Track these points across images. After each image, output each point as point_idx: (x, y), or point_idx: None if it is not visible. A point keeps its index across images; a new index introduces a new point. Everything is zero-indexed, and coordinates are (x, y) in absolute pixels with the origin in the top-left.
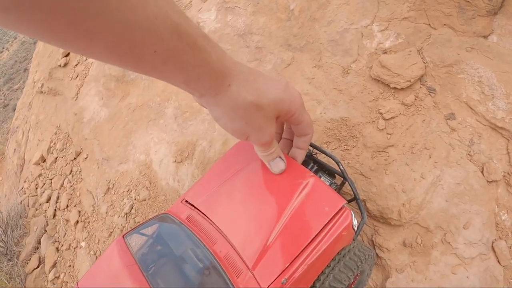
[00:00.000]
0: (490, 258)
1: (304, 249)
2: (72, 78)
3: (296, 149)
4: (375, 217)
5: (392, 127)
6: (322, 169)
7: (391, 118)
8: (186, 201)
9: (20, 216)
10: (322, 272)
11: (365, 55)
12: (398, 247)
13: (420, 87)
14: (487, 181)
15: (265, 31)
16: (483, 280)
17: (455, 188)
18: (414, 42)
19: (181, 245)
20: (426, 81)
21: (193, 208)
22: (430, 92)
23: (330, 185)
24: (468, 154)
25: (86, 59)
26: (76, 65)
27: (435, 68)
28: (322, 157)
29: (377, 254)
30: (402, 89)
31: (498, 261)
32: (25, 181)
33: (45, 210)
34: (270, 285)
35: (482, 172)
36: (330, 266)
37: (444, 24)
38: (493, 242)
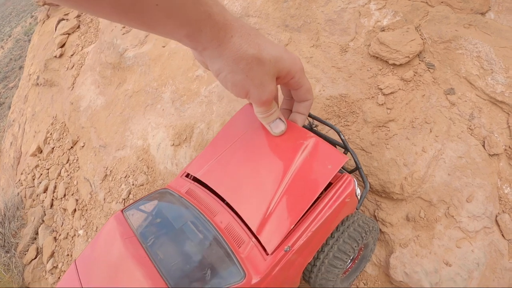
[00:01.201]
0: (494, 232)
1: (307, 213)
2: (68, 68)
3: (296, 113)
4: (377, 191)
5: (391, 102)
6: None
7: (391, 93)
8: (187, 175)
9: (18, 208)
10: (327, 243)
11: (363, 33)
12: (401, 222)
13: (419, 63)
14: (489, 154)
15: (262, 13)
16: (488, 254)
17: (457, 162)
18: (412, 20)
19: (180, 217)
20: (424, 57)
21: (193, 181)
22: (429, 67)
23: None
24: (469, 128)
25: (81, 49)
26: (71, 55)
27: (433, 44)
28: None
29: (380, 230)
30: (401, 65)
31: (503, 235)
32: (21, 173)
33: (42, 201)
34: (273, 253)
35: (483, 145)
36: (334, 237)
37: (442, 2)
38: (496, 216)
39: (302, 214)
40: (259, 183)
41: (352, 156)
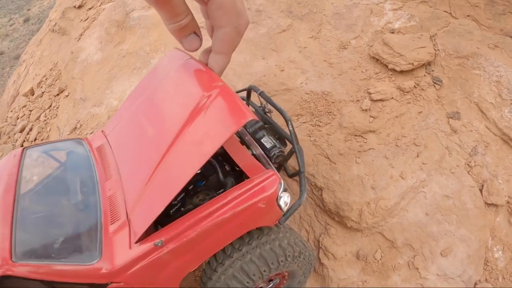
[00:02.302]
0: None
1: (202, 206)
2: (82, 20)
3: (214, 54)
4: (330, 212)
5: (378, 110)
6: (272, 131)
7: (380, 100)
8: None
9: None
10: (229, 255)
11: (369, 32)
12: (349, 258)
13: (424, 75)
14: (486, 202)
15: None
16: None
17: (441, 201)
18: (428, 28)
19: (73, 173)
20: (433, 70)
21: (106, 138)
22: (435, 82)
23: (272, 148)
24: (467, 164)
25: (100, 5)
26: (89, 8)
27: (446, 57)
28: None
29: (319, 260)
30: (401, 72)
31: None
32: (11, 111)
33: (16, 140)
34: (140, 241)
35: (481, 190)
36: (241, 250)
37: (468, 15)
38: (475, 284)
39: (179, 192)
40: (148, 148)
41: (296, 156)
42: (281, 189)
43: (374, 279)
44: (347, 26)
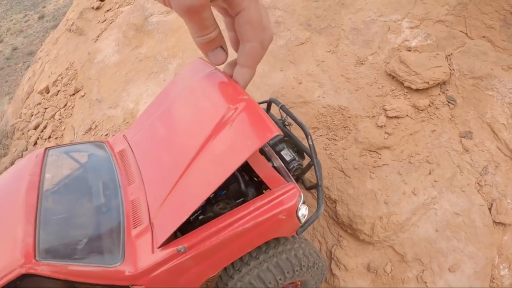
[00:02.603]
0: None
1: (224, 215)
2: (99, 21)
3: (239, 67)
4: (343, 224)
5: (393, 127)
6: (291, 144)
7: (395, 117)
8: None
9: (7, 137)
10: (247, 263)
11: (386, 49)
12: (360, 269)
13: (439, 94)
14: (494, 221)
15: (289, 8)
16: None
17: (451, 218)
18: (444, 47)
19: (96, 176)
20: (447, 90)
21: (128, 142)
22: (449, 102)
23: (291, 161)
24: (478, 183)
25: (118, 7)
26: (107, 10)
27: (461, 77)
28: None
29: (331, 270)
30: (417, 90)
31: None
32: (26, 107)
33: (30, 137)
34: (163, 247)
35: (489, 209)
36: (258, 258)
37: (483, 36)
38: None
39: (202, 202)
40: (172, 158)
41: (315, 169)
42: (301, 202)
43: None
44: (364, 42)
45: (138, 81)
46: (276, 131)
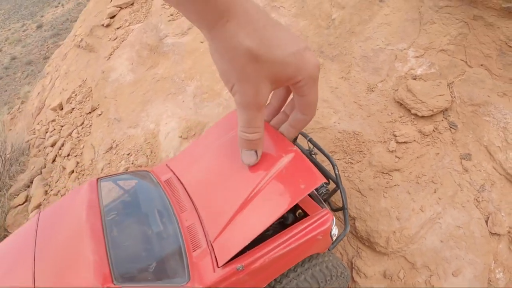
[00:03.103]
0: None
1: (273, 237)
2: (110, 39)
3: (288, 126)
4: (361, 238)
5: (402, 151)
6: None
7: (404, 142)
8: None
9: (23, 153)
10: (287, 275)
11: (394, 77)
12: (377, 277)
13: (442, 120)
14: (490, 232)
15: (302, 34)
16: None
17: (453, 231)
18: (446, 75)
19: (150, 203)
20: (449, 116)
21: (173, 173)
22: (451, 127)
23: (321, 187)
24: (476, 200)
25: (128, 25)
26: (118, 28)
27: (461, 104)
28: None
29: (352, 278)
30: (422, 117)
31: None
32: (38, 123)
33: (47, 154)
34: (224, 266)
35: (486, 221)
36: (296, 271)
37: (481, 65)
38: None
39: (261, 232)
40: (228, 191)
41: (341, 194)
42: (334, 224)
43: None
44: (373, 69)
45: (156, 102)
46: (323, 180)
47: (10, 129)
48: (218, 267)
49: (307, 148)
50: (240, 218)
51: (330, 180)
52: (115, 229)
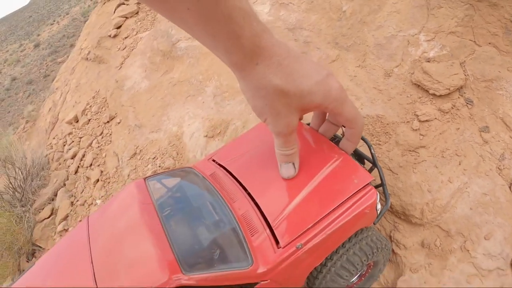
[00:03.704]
0: (508, 275)
1: (325, 216)
2: (119, 49)
3: (345, 140)
4: (397, 213)
5: (426, 129)
6: (353, 154)
7: (426, 121)
8: (213, 160)
9: (43, 168)
10: (336, 251)
11: (409, 61)
12: (416, 247)
13: (458, 97)
14: None
15: (315, 28)
16: None
17: (480, 198)
18: (457, 55)
19: (200, 197)
20: (464, 93)
21: (219, 167)
22: (467, 103)
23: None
24: (498, 168)
25: (136, 34)
26: (125, 37)
27: (475, 81)
28: None
29: (393, 250)
30: (440, 96)
31: None
32: (54, 138)
33: (68, 166)
34: (283, 247)
35: (509, 187)
36: (345, 247)
37: (489, 43)
38: None
39: (320, 218)
40: (283, 183)
41: (379, 172)
42: (378, 198)
43: (437, 261)
44: (388, 55)
45: (176, 105)
46: (371, 177)
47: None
48: (279, 248)
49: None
50: (298, 205)
51: (366, 161)
52: (172, 223)
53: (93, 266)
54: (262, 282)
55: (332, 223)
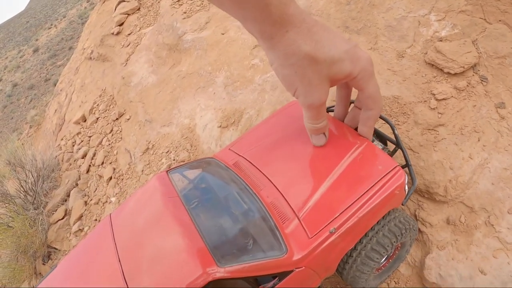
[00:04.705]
0: None
1: (355, 201)
2: (123, 46)
3: (362, 127)
4: (420, 191)
5: (443, 107)
6: (375, 134)
7: (443, 99)
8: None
9: (53, 170)
10: (366, 234)
11: (421, 41)
12: (441, 224)
13: (473, 75)
14: None
15: (324, 13)
16: None
17: (501, 173)
18: (469, 34)
19: (226, 186)
20: (478, 70)
21: (240, 156)
22: (482, 80)
23: (383, 149)
24: None
25: (139, 30)
26: (129, 34)
27: (488, 58)
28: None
29: (419, 229)
30: (455, 74)
31: None
32: (62, 139)
33: (79, 166)
34: (316, 233)
35: None
36: (374, 229)
37: (499, 20)
38: None
39: (350, 203)
40: (308, 171)
41: (403, 153)
42: (406, 179)
43: (463, 237)
44: (399, 37)
45: (187, 98)
46: (395, 163)
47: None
48: (312, 234)
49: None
50: (325, 192)
51: (388, 142)
52: (201, 215)
53: (121, 264)
54: (297, 270)
55: (364, 205)
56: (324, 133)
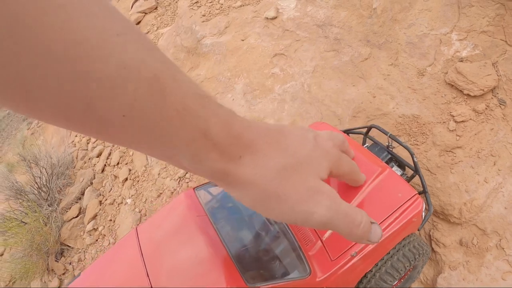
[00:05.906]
0: None
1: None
2: None
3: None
4: (435, 212)
5: (462, 130)
6: (394, 159)
7: (462, 121)
8: None
9: (67, 167)
10: (381, 258)
11: (442, 60)
12: (454, 245)
13: (492, 98)
14: None
15: (345, 25)
16: None
17: None
18: (490, 55)
19: None
20: (497, 93)
21: None
22: (500, 103)
23: (402, 175)
24: None
25: (156, 29)
26: (146, 33)
27: (507, 82)
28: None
29: (432, 249)
30: (474, 96)
31: None
32: (76, 136)
33: (94, 165)
34: (339, 256)
35: None
36: (389, 253)
37: None
38: None
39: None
40: None
41: (421, 179)
42: (424, 206)
43: (474, 259)
44: (420, 54)
45: None
46: (414, 191)
47: (37, 144)
48: (335, 257)
49: (387, 142)
50: None
51: (406, 167)
52: (230, 235)
53: (149, 279)
54: None
55: (383, 231)
56: (372, 222)
